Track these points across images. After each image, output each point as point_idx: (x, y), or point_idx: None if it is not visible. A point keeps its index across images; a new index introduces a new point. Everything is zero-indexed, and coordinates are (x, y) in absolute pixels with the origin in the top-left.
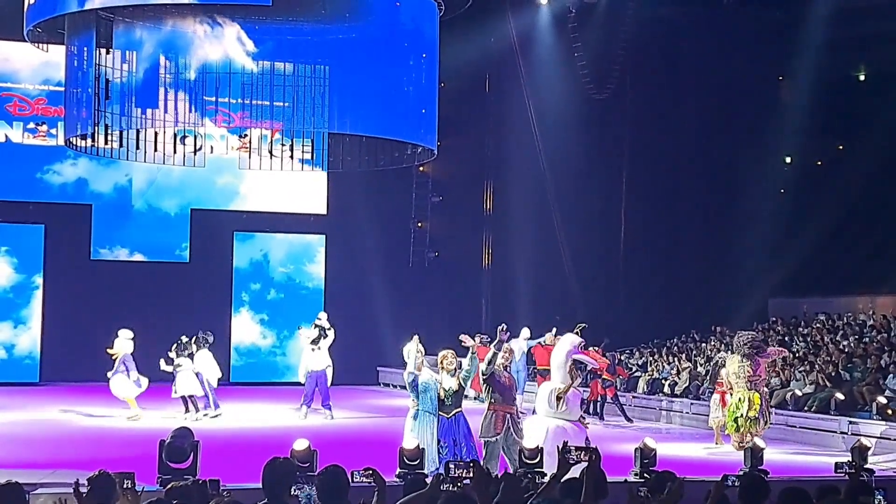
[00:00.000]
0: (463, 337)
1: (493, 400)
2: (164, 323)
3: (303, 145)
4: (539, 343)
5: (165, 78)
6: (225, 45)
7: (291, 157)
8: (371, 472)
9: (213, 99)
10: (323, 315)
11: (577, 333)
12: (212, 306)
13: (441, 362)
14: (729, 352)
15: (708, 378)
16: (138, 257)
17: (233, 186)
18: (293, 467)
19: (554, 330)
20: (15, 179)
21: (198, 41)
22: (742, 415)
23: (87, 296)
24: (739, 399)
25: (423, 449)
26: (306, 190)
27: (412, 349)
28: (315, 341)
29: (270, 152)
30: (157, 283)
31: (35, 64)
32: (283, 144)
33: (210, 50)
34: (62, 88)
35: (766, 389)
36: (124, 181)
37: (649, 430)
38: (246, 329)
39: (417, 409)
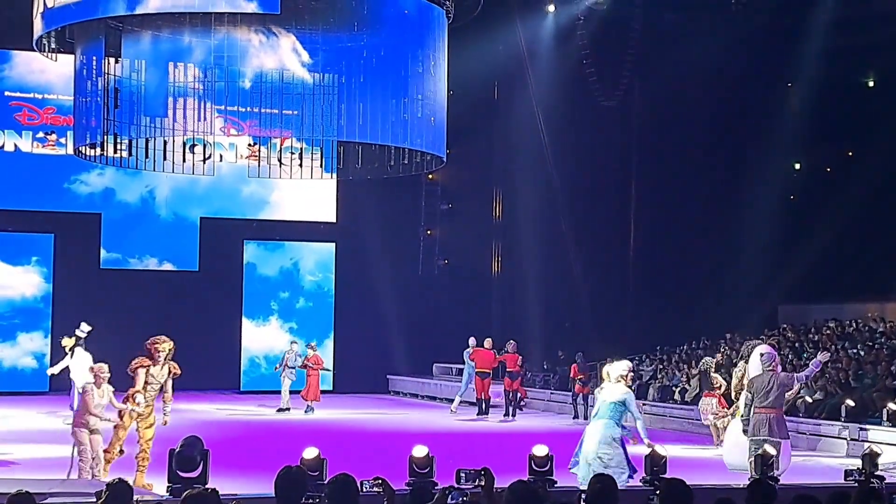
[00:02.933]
0: None
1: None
2: (174, 331)
3: (311, 153)
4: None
5: (185, 86)
6: (281, 55)
7: (301, 165)
8: (380, 481)
9: (223, 107)
10: (85, 326)
11: (770, 344)
12: (221, 314)
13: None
14: (742, 360)
15: (698, 383)
16: (148, 266)
17: (259, 195)
18: (305, 476)
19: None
20: (25, 189)
21: (253, 50)
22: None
23: (96, 305)
24: None
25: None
26: (316, 198)
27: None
28: (71, 350)
29: (280, 160)
30: (167, 292)
31: (46, 74)
32: (291, 153)
33: (266, 60)
34: (71, 98)
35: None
36: (144, 191)
37: (660, 437)
38: (275, 337)
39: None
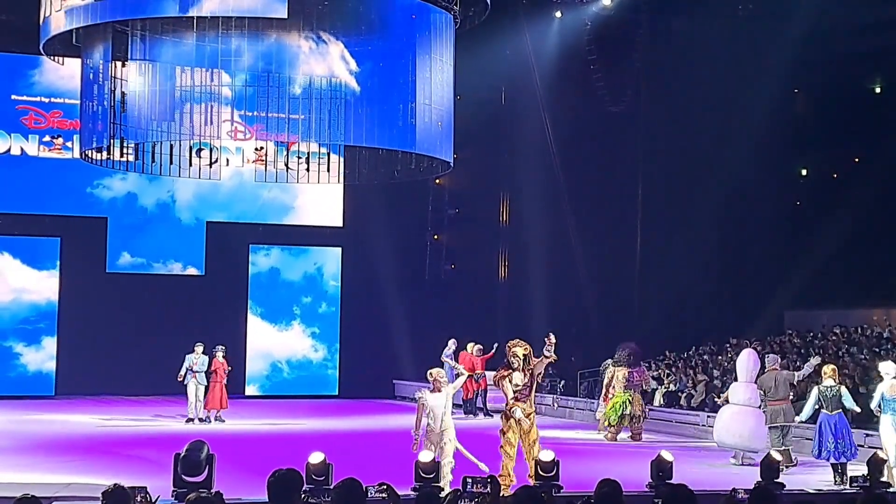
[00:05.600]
0: None
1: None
2: (179, 335)
3: (319, 158)
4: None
5: (192, 90)
6: (330, 62)
7: (308, 169)
8: (385, 486)
9: (229, 110)
10: None
11: (754, 348)
12: (227, 317)
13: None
14: (613, 363)
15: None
16: (154, 270)
17: (280, 200)
18: (298, 478)
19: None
20: (31, 192)
21: (303, 56)
22: (627, 413)
23: (103, 308)
24: (628, 399)
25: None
26: (323, 203)
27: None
28: None
29: (287, 165)
30: (173, 295)
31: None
32: (298, 157)
33: (316, 66)
34: (77, 101)
35: (639, 394)
36: (166, 196)
37: (665, 443)
38: (298, 342)
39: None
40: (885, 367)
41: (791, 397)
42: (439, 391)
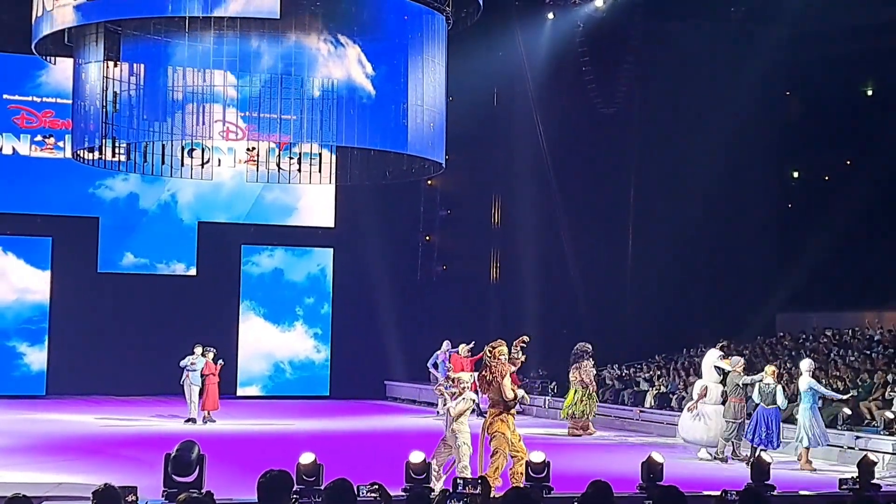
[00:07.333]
0: None
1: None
2: (171, 335)
3: (310, 158)
4: (456, 352)
5: (184, 89)
6: (347, 65)
7: (299, 170)
8: (377, 486)
9: (220, 111)
10: None
11: (720, 348)
12: (220, 318)
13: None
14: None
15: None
16: (146, 270)
17: (282, 201)
18: (289, 478)
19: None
20: (23, 192)
21: (322, 59)
22: (569, 409)
23: (94, 309)
24: (571, 395)
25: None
26: (314, 203)
27: None
28: None
29: (278, 165)
30: (165, 296)
31: (46, 78)
32: (290, 157)
33: (334, 69)
34: (70, 101)
35: (584, 389)
36: (166, 195)
37: (656, 444)
38: (300, 343)
39: None
40: (804, 364)
41: (743, 397)
42: (461, 395)
